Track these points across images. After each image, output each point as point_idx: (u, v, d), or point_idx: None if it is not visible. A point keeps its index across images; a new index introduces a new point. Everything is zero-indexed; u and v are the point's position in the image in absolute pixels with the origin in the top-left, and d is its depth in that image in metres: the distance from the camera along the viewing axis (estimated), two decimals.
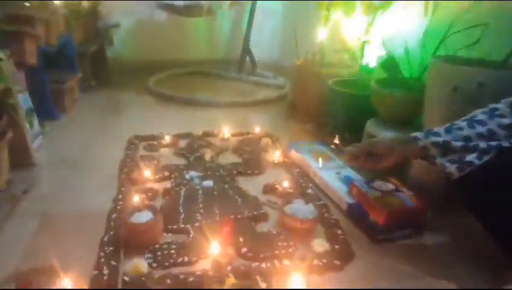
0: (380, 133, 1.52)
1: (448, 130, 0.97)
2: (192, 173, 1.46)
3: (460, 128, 0.96)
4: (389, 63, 1.62)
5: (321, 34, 2.19)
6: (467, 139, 0.93)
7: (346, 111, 1.82)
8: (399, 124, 1.53)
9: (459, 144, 0.93)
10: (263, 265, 0.99)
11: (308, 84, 2.20)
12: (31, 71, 1.70)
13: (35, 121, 1.64)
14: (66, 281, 0.68)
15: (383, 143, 1.07)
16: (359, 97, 1.76)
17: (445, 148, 0.95)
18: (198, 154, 1.65)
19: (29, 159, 1.41)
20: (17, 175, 1.32)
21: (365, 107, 1.68)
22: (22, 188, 1.26)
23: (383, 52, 1.78)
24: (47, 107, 1.88)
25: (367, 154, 1.09)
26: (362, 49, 1.85)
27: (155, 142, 1.76)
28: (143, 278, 0.91)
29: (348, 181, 1.36)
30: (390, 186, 1.26)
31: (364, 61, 1.87)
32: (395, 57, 1.61)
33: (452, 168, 0.92)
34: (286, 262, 1.00)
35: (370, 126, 1.61)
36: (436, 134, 0.98)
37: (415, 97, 1.45)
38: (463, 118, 1.00)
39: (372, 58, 1.83)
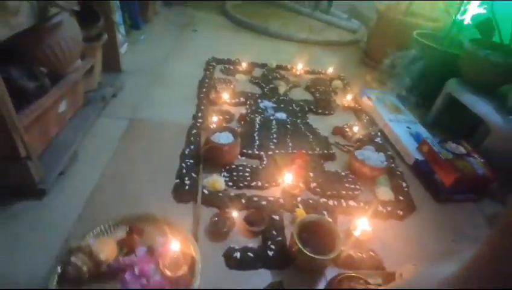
0: (461, 94, 1.31)
1: None
2: (267, 103, 1.37)
3: None
4: (487, 25, 1.34)
5: None
6: None
7: (428, 66, 1.56)
8: (482, 89, 1.30)
9: None
10: (330, 202, 0.95)
11: (387, 32, 1.91)
12: None
13: (122, 29, 1.59)
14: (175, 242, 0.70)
15: None
16: (445, 54, 1.49)
17: None
18: (272, 85, 1.53)
19: (118, 65, 1.39)
20: (107, 78, 1.32)
21: (449, 66, 1.45)
22: (111, 91, 1.27)
23: (481, 11, 1.45)
24: (133, 16, 1.81)
25: None
26: (461, 3, 1.50)
27: (231, 67, 1.66)
28: (220, 194, 0.90)
29: (418, 137, 1.25)
30: (462, 149, 1.15)
31: (459, 17, 1.52)
32: (492, 19, 1.32)
33: None
34: (352, 203, 0.96)
35: (451, 86, 1.38)
36: None
37: (511, 65, 1.20)
38: None
39: (468, 15, 1.50)
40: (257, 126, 1.21)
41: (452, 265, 0.38)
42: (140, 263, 0.65)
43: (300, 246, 0.71)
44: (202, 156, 1.01)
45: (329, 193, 0.98)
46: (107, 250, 0.66)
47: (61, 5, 0.82)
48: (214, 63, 1.66)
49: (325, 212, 0.91)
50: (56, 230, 0.76)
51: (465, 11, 1.51)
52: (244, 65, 1.66)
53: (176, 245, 0.68)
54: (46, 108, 0.86)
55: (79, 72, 1.02)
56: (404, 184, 1.07)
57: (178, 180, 0.92)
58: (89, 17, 1.13)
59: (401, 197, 1.01)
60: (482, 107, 1.22)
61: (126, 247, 0.70)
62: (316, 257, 0.71)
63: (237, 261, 0.75)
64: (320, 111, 1.42)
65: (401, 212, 0.96)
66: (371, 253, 0.83)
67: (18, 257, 0.70)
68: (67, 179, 0.90)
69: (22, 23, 0.71)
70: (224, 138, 1.00)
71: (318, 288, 0.74)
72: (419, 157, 1.15)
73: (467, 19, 1.51)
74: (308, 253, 0.70)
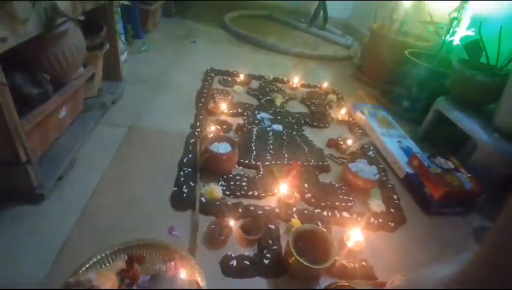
0: (450, 111, 1.37)
1: None
2: (263, 114, 1.40)
3: None
4: (474, 46, 1.41)
5: (407, 2, 1.91)
6: None
7: (418, 84, 1.64)
8: (470, 107, 1.36)
9: None
10: (324, 213, 0.97)
11: (380, 50, 1.98)
12: None
13: (122, 38, 1.62)
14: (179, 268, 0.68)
15: None
16: (435, 72, 1.56)
17: None
18: (269, 97, 1.56)
19: (118, 73, 1.40)
20: (107, 86, 1.33)
21: (437, 84, 1.53)
22: (111, 98, 1.28)
23: (469, 33, 1.53)
24: (134, 26, 1.84)
25: None
26: (450, 26, 1.58)
27: (229, 78, 1.69)
28: (217, 202, 0.91)
29: (408, 151, 1.29)
30: (450, 164, 1.19)
31: (448, 38, 1.60)
32: (479, 41, 1.39)
33: None
34: (345, 214, 0.99)
35: (440, 103, 1.44)
36: None
37: (496, 84, 1.26)
38: None
39: (457, 36, 1.57)
40: (254, 137, 1.23)
41: (449, 266, 0.39)
42: None
43: (295, 255, 0.73)
44: (200, 165, 1.02)
45: (323, 203, 1.00)
46: (107, 283, 0.62)
47: (67, 14, 0.84)
48: (212, 74, 1.68)
49: (319, 223, 0.92)
50: (54, 235, 0.76)
51: (454, 33, 1.59)
52: (241, 77, 1.69)
53: (183, 274, 0.67)
54: (48, 114, 0.87)
55: (81, 79, 1.03)
56: (395, 197, 1.10)
57: (176, 188, 0.93)
58: (92, 26, 1.15)
59: (392, 210, 1.04)
60: (469, 124, 1.27)
61: (127, 278, 0.67)
62: (311, 266, 0.72)
63: (233, 269, 0.75)
64: (315, 124, 1.45)
65: (392, 224, 0.99)
66: (363, 263, 0.84)
67: (15, 262, 0.70)
68: (65, 184, 0.90)
69: (30, 32, 0.73)
70: (222, 148, 1.02)
71: None
72: (410, 170, 1.18)
73: (456, 40, 1.58)
74: (303, 262, 0.72)
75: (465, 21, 1.54)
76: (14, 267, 0.69)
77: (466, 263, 0.37)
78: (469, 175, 1.13)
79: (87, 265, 0.68)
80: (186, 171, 0.99)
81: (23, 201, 0.82)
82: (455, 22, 1.56)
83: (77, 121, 1.10)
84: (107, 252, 0.71)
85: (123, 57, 1.59)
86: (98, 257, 0.70)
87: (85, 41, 1.02)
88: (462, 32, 1.56)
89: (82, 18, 0.94)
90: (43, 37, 0.81)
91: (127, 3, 1.14)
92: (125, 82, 1.44)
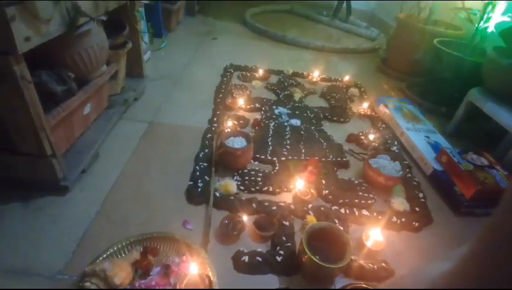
0: (484, 104, 1.25)
1: None
2: (281, 109, 1.37)
3: None
4: (511, 33, 1.27)
5: None
6: None
7: (449, 75, 1.51)
8: (507, 98, 1.24)
9: None
10: (342, 210, 0.93)
11: (407, 40, 1.86)
12: None
13: (146, 37, 1.65)
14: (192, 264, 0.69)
15: None
16: (468, 62, 1.43)
17: None
18: (287, 92, 1.52)
19: (140, 71, 1.44)
20: (130, 83, 1.36)
21: (471, 75, 1.40)
22: (133, 95, 1.31)
23: (505, 19, 1.39)
24: (157, 26, 1.87)
25: None
26: (484, 11, 1.44)
27: (248, 74, 1.67)
28: (232, 197, 0.90)
29: (436, 147, 1.20)
30: (484, 161, 1.09)
31: (482, 25, 1.46)
32: None
33: None
34: (365, 212, 0.93)
35: (473, 95, 1.32)
36: None
37: None
38: None
39: (492, 22, 1.44)
40: (271, 132, 1.21)
41: (446, 263, 0.37)
42: (156, 286, 0.65)
43: (309, 252, 0.70)
44: (215, 159, 1.01)
45: (341, 200, 0.96)
46: (122, 273, 0.64)
47: (89, 15, 0.87)
48: (231, 70, 1.68)
49: (336, 221, 0.88)
50: (76, 224, 0.79)
51: (488, 19, 1.45)
52: (260, 72, 1.67)
53: (194, 267, 0.67)
54: (72, 110, 0.90)
55: (104, 77, 1.06)
56: (421, 195, 1.03)
57: (192, 182, 0.93)
58: (116, 26, 1.18)
59: (417, 209, 0.97)
60: (506, 117, 1.16)
61: (141, 268, 0.69)
62: (325, 264, 0.69)
63: (245, 265, 0.74)
64: (335, 118, 1.39)
65: (416, 224, 0.92)
66: (383, 264, 0.79)
67: (40, 248, 0.73)
68: (88, 176, 0.94)
69: (52, 32, 0.75)
70: (238, 143, 1.01)
71: None
72: (438, 167, 1.10)
73: (491, 27, 1.45)
74: (317, 260, 0.68)
75: (501, 6, 1.40)
76: (37, 255, 0.72)
77: (458, 260, 0.35)
78: (505, 173, 1.02)
79: (104, 255, 0.70)
80: (202, 166, 0.99)
81: (48, 192, 0.86)
82: (490, 7, 1.42)
83: (101, 117, 1.14)
84: (123, 244, 0.73)
85: (146, 56, 1.62)
86: (115, 248, 0.72)
87: (108, 40, 1.04)
88: (497, 18, 1.42)
89: (104, 18, 0.97)
90: (67, 37, 0.83)
91: (148, 2, 1.15)
92: (147, 79, 1.47)
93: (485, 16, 1.45)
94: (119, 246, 0.73)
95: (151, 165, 1.00)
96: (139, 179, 0.95)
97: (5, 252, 0.71)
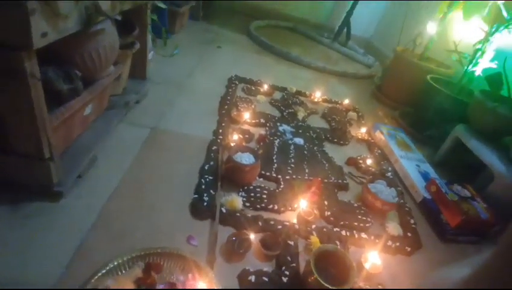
0: (468, 140, 1.37)
1: None
2: (285, 127, 1.38)
3: None
4: (497, 79, 1.43)
5: (432, 29, 1.91)
6: None
7: (438, 109, 1.63)
8: (488, 137, 1.36)
9: None
10: (343, 232, 0.95)
11: (402, 72, 1.99)
12: None
13: (150, 37, 1.63)
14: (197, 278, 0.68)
15: None
16: (456, 100, 1.56)
17: None
18: (291, 110, 1.54)
19: (144, 72, 1.41)
20: (132, 85, 1.33)
21: (457, 111, 1.54)
22: (135, 98, 1.27)
23: (492, 65, 1.53)
24: (159, 27, 1.85)
25: None
26: (474, 56, 1.58)
27: (253, 87, 1.68)
28: (238, 214, 0.88)
29: (426, 176, 1.28)
30: (467, 192, 1.18)
31: (470, 68, 1.60)
32: (501, 74, 1.42)
33: None
34: (363, 235, 0.96)
35: (459, 130, 1.43)
36: None
37: None
38: None
39: (479, 67, 1.57)
40: (276, 149, 1.21)
41: (464, 269, 0.39)
42: None
43: (316, 275, 0.70)
44: (222, 173, 1.00)
45: (342, 223, 0.97)
46: None
47: (107, 13, 0.85)
48: (236, 82, 1.68)
49: (337, 242, 0.90)
50: (70, 235, 0.74)
51: (476, 63, 1.58)
52: (265, 87, 1.68)
53: (201, 285, 0.66)
54: (75, 111, 0.87)
55: (110, 78, 1.03)
56: (412, 221, 1.08)
57: (196, 196, 0.91)
58: (126, 25, 1.16)
59: (409, 234, 1.02)
60: (486, 154, 1.27)
61: (144, 285, 0.66)
62: (331, 287, 0.69)
63: (252, 285, 0.73)
64: (335, 140, 1.42)
65: (408, 249, 0.97)
66: (380, 286, 0.83)
67: (29, 260, 0.68)
68: (84, 182, 0.88)
69: (69, 28, 0.73)
70: (245, 158, 1.00)
71: None
72: (427, 195, 1.17)
73: (478, 71, 1.58)
74: (323, 282, 0.69)
75: (489, 53, 1.55)
76: (26, 266, 0.67)
77: (479, 266, 0.39)
78: (485, 205, 1.12)
79: (104, 271, 0.66)
80: (208, 179, 0.97)
81: (41, 197, 0.80)
82: (479, 53, 1.56)
83: (100, 118, 1.09)
84: (124, 259, 0.69)
85: (149, 56, 1.59)
86: (115, 263, 0.68)
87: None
88: (484, 64, 1.56)
89: (119, 18, 0.95)
90: (79, 34, 0.81)
91: (162, 5, 1.14)
92: (149, 82, 1.44)
93: (474, 61, 1.58)
94: (120, 261, 0.68)
95: (154, 174, 0.97)
96: (140, 188, 0.91)
97: None
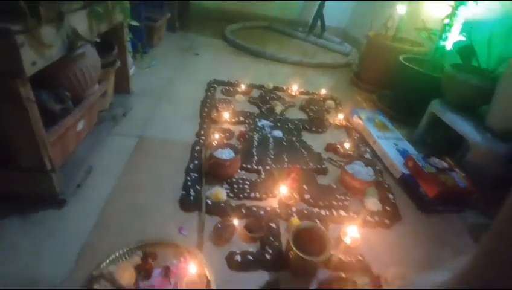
0: (444, 114, 1.44)
1: None
2: (264, 122, 1.49)
3: None
4: (467, 51, 1.48)
5: (401, 9, 2.02)
6: None
7: (413, 88, 1.72)
8: (463, 109, 1.43)
9: None
10: (322, 212, 1.05)
11: (376, 56, 2.09)
12: (132, 8, 1.73)
13: (130, 53, 1.73)
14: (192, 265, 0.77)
15: None
16: (429, 77, 1.64)
17: None
18: (269, 105, 1.66)
19: (127, 87, 1.51)
20: (118, 99, 1.43)
21: (432, 87, 1.60)
22: (121, 111, 1.38)
23: (461, 38, 1.61)
24: (140, 42, 1.95)
25: None
26: (443, 31, 1.67)
27: (231, 88, 1.79)
28: (222, 204, 0.99)
29: (404, 153, 1.36)
30: (444, 164, 1.25)
31: (441, 43, 1.69)
32: (471, 45, 1.47)
33: None
34: (342, 213, 1.06)
35: (434, 106, 1.51)
36: None
37: (488, 87, 1.33)
38: None
39: (450, 41, 1.66)
40: (255, 143, 1.32)
41: (445, 273, 0.41)
42: (157, 286, 0.73)
43: (294, 248, 0.81)
44: (206, 170, 1.11)
45: (321, 203, 1.07)
46: (126, 275, 0.72)
47: (85, 38, 0.95)
48: (215, 85, 1.79)
49: (317, 221, 1.00)
50: (76, 236, 0.85)
51: (446, 38, 1.67)
52: (243, 86, 1.79)
53: (192, 267, 0.76)
54: (68, 127, 0.97)
55: (96, 95, 1.13)
56: (391, 196, 1.17)
57: (184, 192, 1.02)
58: (105, 46, 1.26)
59: (387, 208, 1.11)
60: (462, 125, 1.34)
61: (143, 270, 0.76)
62: (308, 258, 0.80)
63: (238, 263, 0.83)
64: (313, 129, 1.53)
65: (388, 221, 1.05)
66: (360, 257, 0.91)
67: (38, 262, 0.78)
68: (84, 190, 0.99)
69: (54, 55, 0.83)
70: (226, 154, 1.11)
71: (311, 288, 0.83)
72: (406, 171, 1.25)
73: (449, 45, 1.66)
74: (301, 254, 0.79)
75: (457, 26, 1.63)
76: (37, 266, 0.77)
77: (459, 269, 0.38)
78: (463, 174, 1.19)
79: (107, 261, 0.77)
80: (193, 177, 1.08)
81: (46, 205, 0.91)
82: (447, 28, 1.64)
83: (91, 132, 1.20)
84: (124, 250, 0.80)
85: (131, 71, 1.69)
86: (117, 254, 0.79)
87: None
88: (454, 37, 1.64)
89: (98, 40, 1.05)
90: (64, 59, 0.91)
91: (135, 23, 1.24)
92: (134, 95, 1.54)
93: (443, 35, 1.66)
94: (121, 252, 0.80)
95: (144, 178, 1.08)
96: (133, 191, 1.02)
97: (7, 264, 0.76)
